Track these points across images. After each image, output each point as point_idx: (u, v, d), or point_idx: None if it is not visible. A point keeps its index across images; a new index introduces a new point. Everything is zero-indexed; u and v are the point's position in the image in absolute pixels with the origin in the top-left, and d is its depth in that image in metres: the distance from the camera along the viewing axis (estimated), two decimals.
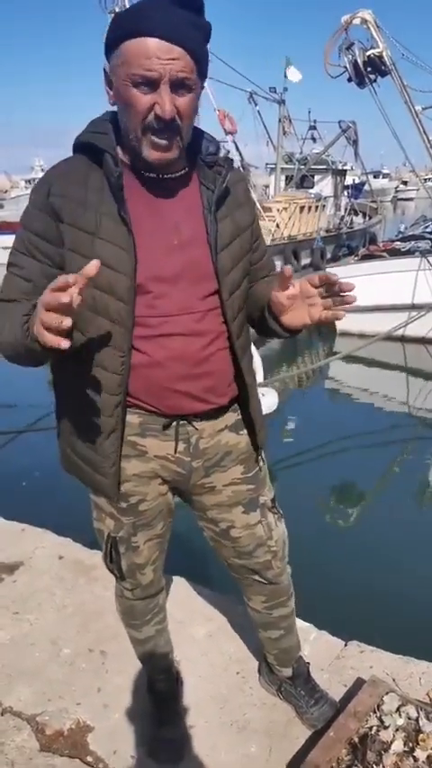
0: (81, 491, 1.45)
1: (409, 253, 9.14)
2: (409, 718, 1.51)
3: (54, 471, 1.55)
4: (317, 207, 16.06)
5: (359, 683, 1.73)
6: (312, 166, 16.85)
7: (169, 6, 1.04)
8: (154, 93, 1.05)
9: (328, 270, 9.31)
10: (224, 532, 1.44)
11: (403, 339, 8.30)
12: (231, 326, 1.26)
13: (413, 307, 8.23)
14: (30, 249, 1.19)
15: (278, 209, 14.25)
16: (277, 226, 13.96)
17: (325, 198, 17.11)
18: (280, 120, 17.94)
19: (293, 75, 17.03)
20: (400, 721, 1.50)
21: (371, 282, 8.28)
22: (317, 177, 18.32)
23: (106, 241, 1.13)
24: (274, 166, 18.94)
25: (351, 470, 5.28)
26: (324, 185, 18.13)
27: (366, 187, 20.69)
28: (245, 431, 1.40)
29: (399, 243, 10.11)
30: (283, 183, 18.13)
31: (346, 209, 18.95)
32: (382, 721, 1.51)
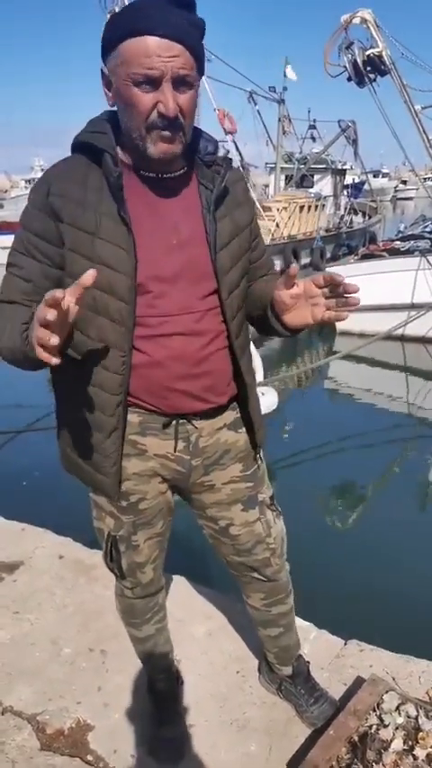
0: (81, 491, 1.45)
1: (409, 252, 9.14)
2: (409, 717, 1.51)
3: (54, 471, 1.55)
4: (316, 206, 16.07)
5: (359, 682, 1.74)
6: (312, 166, 16.85)
7: (165, 5, 1.04)
8: (156, 91, 1.05)
9: (328, 269, 9.32)
10: (223, 530, 1.44)
11: (403, 338, 8.31)
12: (231, 326, 1.26)
13: (413, 306, 8.23)
14: (29, 249, 1.19)
15: (278, 209, 14.25)
16: (277, 225, 13.96)
17: (325, 197, 17.13)
18: (279, 120, 17.95)
19: (290, 74, 17.09)
20: (400, 720, 1.51)
21: (370, 282, 8.27)
22: (316, 177, 18.32)
23: (106, 241, 1.13)
24: (273, 166, 18.96)
25: (351, 469, 5.28)
26: (324, 185, 18.13)
27: (366, 186, 20.70)
28: (243, 429, 1.40)
29: (398, 242, 10.12)
30: (282, 183, 18.13)
31: (345, 209, 18.96)
32: (381, 720, 1.51)
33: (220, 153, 1.25)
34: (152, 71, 1.04)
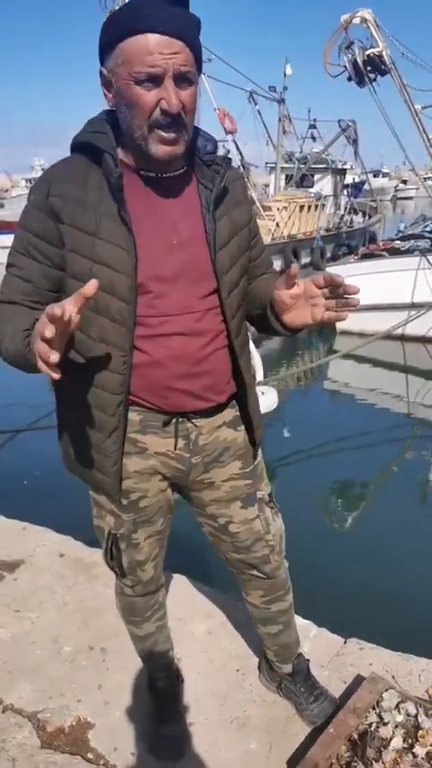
0: (81, 490, 1.45)
1: (409, 252, 9.13)
2: (409, 715, 1.52)
3: (55, 470, 1.56)
4: (317, 206, 16.06)
5: (359, 680, 1.74)
6: (312, 165, 16.85)
7: (161, 3, 1.04)
8: (158, 88, 1.06)
9: (328, 269, 9.33)
10: (223, 528, 1.45)
11: (403, 338, 8.31)
12: (230, 325, 1.27)
13: (413, 306, 8.23)
14: (29, 250, 1.19)
15: (278, 209, 14.25)
16: (277, 225, 13.97)
17: (325, 197, 17.12)
18: (280, 120, 17.93)
19: (287, 70, 17.15)
20: (400, 718, 1.51)
21: (370, 281, 8.27)
22: (317, 176, 18.32)
23: (106, 241, 1.13)
24: (273, 165, 18.94)
25: (351, 469, 5.29)
26: (324, 184, 18.13)
27: (366, 186, 20.69)
28: (242, 427, 1.41)
29: (398, 242, 10.11)
30: (282, 183, 18.12)
31: (345, 209, 18.95)
32: (381, 718, 1.52)
33: (221, 152, 1.25)
34: (155, 68, 1.04)
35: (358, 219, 19.57)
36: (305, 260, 14.71)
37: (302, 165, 16.90)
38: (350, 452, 5.67)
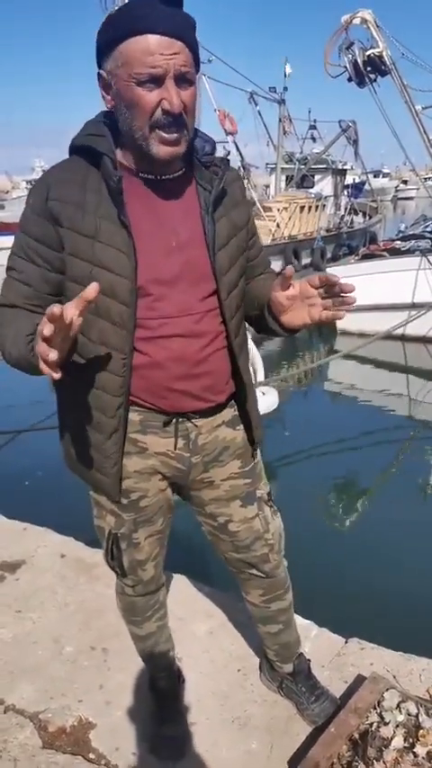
0: (82, 491, 1.46)
1: (410, 252, 9.13)
2: (410, 715, 1.52)
3: (56, 471, 1.56)
4: (317, 206, 16.06)
5: (360, 680, 1.74)
6: (312, 166, 16.85)
7: (158, 4, 1.05)
8: (159, 89, 1.06)
9: (328, 270, 9.33)
10: (222, 526, 1.45)
11: (403, 338, 8.30)
12: (229, 326, 1.27)
13: (413, 306, 8.23)
14: (29, 254, 1.19)
15: (278, 209, 14.25)
16: (278, 225, 13.97)
17: (325, 197, 17.11)
18: (280, 120, 17.93)
19: (287, 69, 17.19)
20: (401, 717, 1.51)
21: (371, 282, 8.28)
22: (317, 177, 18.31)
23: (106, 244, 1.14)
24: (274, 166, 18.94)
25: (352, 469, 5.29)
26: (324, 185, 18.12)
27: (366, 186, 20.68)
28: (241, 426, 1.41)
29: (399, 242, 10.10)
30: (283, 183, 18.13)
31: (346, 209, 18.94)
32: (382, 717, 1.52)
33: (221, 153, 1.26)
34: (156, 69, 1.04)
35: (359, 220, 19.56)
36: (306, 260, 14.71)
37: (303, 166, 16.91)
38: (351, 452, 5.67)
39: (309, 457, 5.45)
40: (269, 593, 1.55)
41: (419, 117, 9.09)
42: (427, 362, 8.29)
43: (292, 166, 17.84)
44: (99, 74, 1.12)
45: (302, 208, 15.07)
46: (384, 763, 1.41)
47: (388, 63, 8.62)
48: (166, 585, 1.63)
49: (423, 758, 1.41)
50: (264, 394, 4.76)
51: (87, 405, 1.25)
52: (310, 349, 9.48)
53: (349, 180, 20.78)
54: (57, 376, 0.98)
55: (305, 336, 9.56)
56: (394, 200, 47.21)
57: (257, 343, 5.00)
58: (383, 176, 51.30)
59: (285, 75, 17.40)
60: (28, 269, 1.20)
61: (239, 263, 1.28)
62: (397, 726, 1.49)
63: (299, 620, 1.73)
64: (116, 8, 1.09)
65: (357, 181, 21.43)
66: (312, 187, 17.77)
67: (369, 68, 8.67)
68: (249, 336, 1.43)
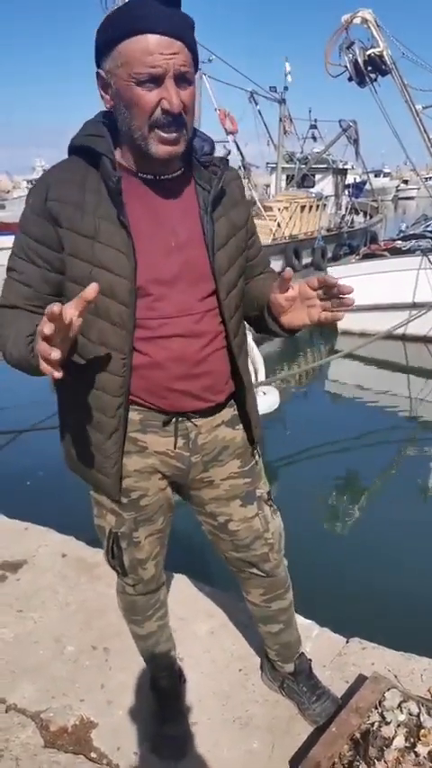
0: (83, 490, 1.46)
1: (410, 252, 9.13)
2: (411, 714, 1.52)
3: (57, 471, 1.56)
4: (318, 206, 16.05)
5: (361, 680, 1.74)
6: (313, 166, 16.86)
7: (157, 4, 1.05)
8: (159, 89, 1.06)
9: (329, 269, 9.33)
10: (222, 526, 1.45)
11: (404, 338, 8.30)
12: (228, 326, 1.27)
13: (414, 305, 8.23)
14: (29, 254, 1.19)
15: (279, 209, 14.25)
16: (278, 225, 13.97)
17: (326, 197, 17.11)
18: (281, 120, 17.92)
19: (286, 68, 17.21)
20: (402, 717, 1.51)
21: (372, 281, 8.28)
22: (318, 176, 18.31)
23: (106, 245, 1.14)
24: (274, 166, 18.93)
25: (353, 468, 5.29)
26: (325, 184, 18.12)
27: (367, 186, 20.66)
28: (241, 426, 1.41)
29: (400, 242, 10.10)
30: (283, 183, 18.12)
31: (347, 209, 18.93)
32: (383, 717, 1.52)
33: (222, 153, 1.26)
34: (155, 69, 1.05)
35: (359, 219, 19.55)
36: (306, 260, 14.72)
37: (303, 166, 16.92)
38: (351, 452, 5.67)
39: (309, 457, 5.45)
40: (269, 592, 1.56)
41: (420, 116, 9.09)
42: (428, 362, 8.29)
43: (293, 166, 17.84)
44: (98, 73, 1.13)
45: (303, 207, 15.07)
46: (386, 762, 1.41)
47: (388, 62, 8.63)
48: (166, 585, 1.63)
49: (424, 758, 1.41)
50: (265, 394, 4.76)
51: (87, 405, 1.26)
52: (310, 349, 9.48)
53: (350, 179, 20.77)
54: (58, 375, 0.98)
55: (306, 336, 9.56)
56: (395, 199, 47.17)
57: (258, 343, 5.00)
58: (384, 176, 51.29)
59: (285, 74, 17.41)
60: (28, 270, 1.20)
61: (239, 262, 1.29)
62: (398, 725, 1.49)
63: (300, 620, 1.73)
64: (116, 8, 1.09)
65: (358, 180, 21.42)
66: (313, 187, 17.77)
67: (369, 68, 8.68)
68: (250, 336, 1.44)
